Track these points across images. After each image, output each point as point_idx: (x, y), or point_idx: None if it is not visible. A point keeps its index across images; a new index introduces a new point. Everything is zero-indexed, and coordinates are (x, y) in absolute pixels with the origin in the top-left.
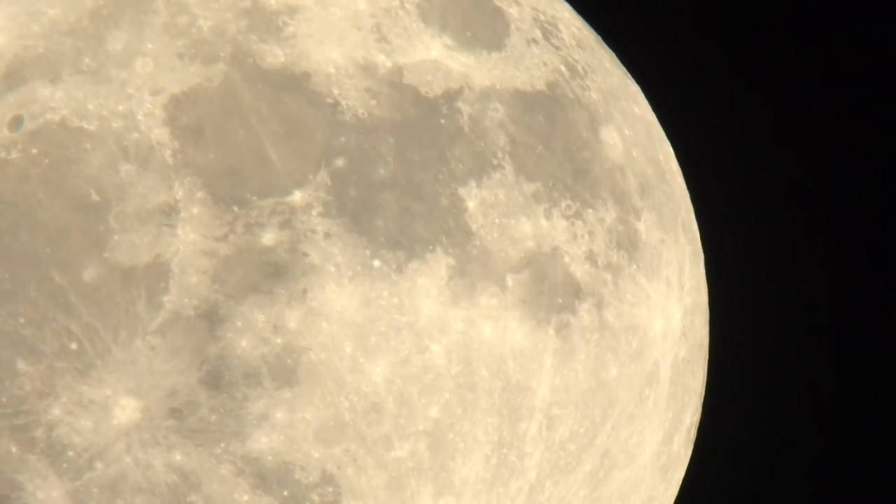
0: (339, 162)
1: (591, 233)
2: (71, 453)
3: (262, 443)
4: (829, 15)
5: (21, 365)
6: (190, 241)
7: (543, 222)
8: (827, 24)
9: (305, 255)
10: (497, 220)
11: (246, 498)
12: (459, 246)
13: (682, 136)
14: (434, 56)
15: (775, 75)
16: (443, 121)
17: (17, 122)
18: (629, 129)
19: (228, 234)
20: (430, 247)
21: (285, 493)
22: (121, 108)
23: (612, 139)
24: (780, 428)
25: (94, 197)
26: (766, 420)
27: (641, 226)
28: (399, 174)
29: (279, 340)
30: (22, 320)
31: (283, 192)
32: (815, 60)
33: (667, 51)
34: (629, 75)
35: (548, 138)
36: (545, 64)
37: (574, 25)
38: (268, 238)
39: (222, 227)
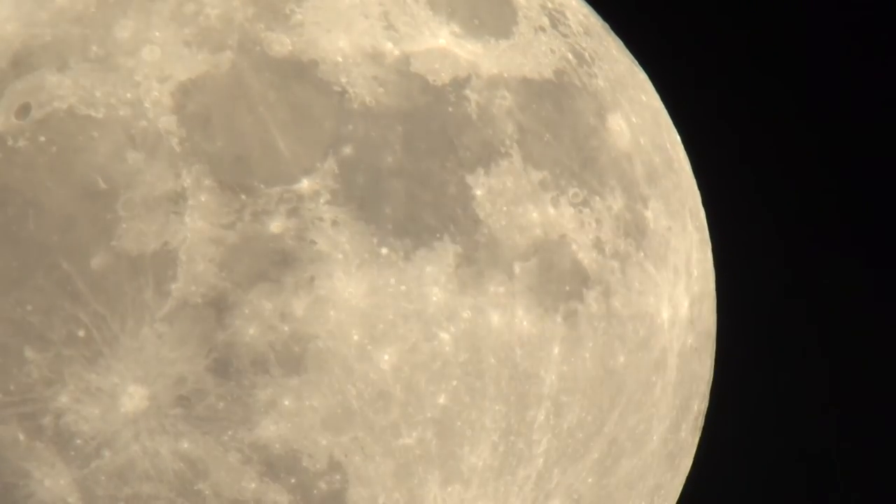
0: (347, 150)
1: (598, 221)
2: (78, 441)
3: (270, 430)
4: (838, 3)
5: (29, 353)
6: (197, 228)
7: (551, 210)
8: (834, 13)
9: (313, 242)
10: (505, 208)
11: (253, 486)
12: (467, 234)
13: (690, 124)
14: (442, 44)
15: (783, 63)
16: (450, 109)
17: (24, 110)
18: (636, 116)
19: (236, 221)
20: (438, 235)
21: (293, 481)
22: (128, 95)
23: (619, 127)
24: (787, 416)
25: (102, 185)
26: (773, 408)
27: (649, 214)
28: (406, 162)
29: (287, 328)
30: (29, 308)
31: (291, 180)
32: (822, 48)
33: (674, 39)
34: (636, 63)
35: (555, 126)
36: (553, 52)
37: (581, 13)
38: (275, 226)
39: (230, 215)
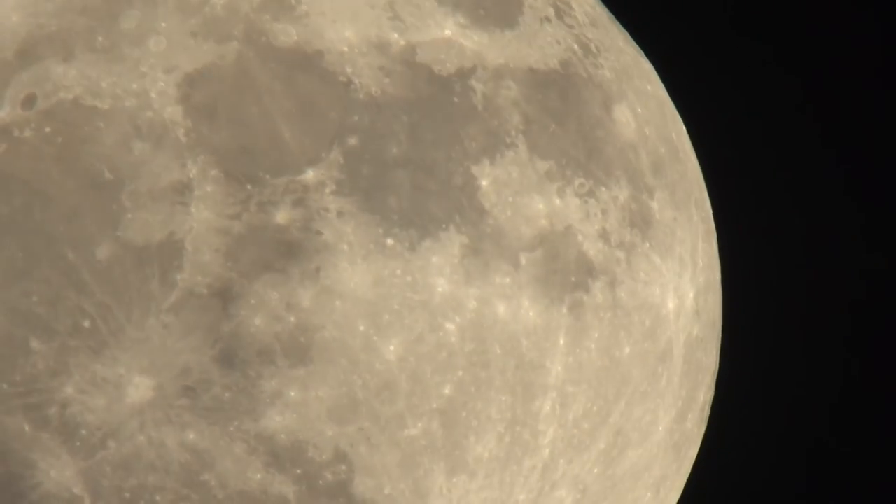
0: (352, 140)
1: (604, 211)
2: (84, 432)
3: (276, 421)
4: None
5: (34, 343)
6: (203, 219)
7: (556, 201)
8: (838, 3)
9: (318, 233)
10: (510, 199)
11: (259, 476)
12: (473, 224)
13: (695, 115)
14: (447, 34)
15: (788, 54)
16: (456, 99)
17: (30, 101)
18: (642, 107)
19: (242, 212)
20: (444, 225)
21: (298, 472)
22: (134, 86)
23: (624, 117)
24: (793, 406)
25: (108, 175)
26: (779, 398)
27: (654, 204)
28: (412, 152)
29: (292, 319)
30: (35, 299)
31: (297, 171)
32: (828, 39)
33: (679, 29)
34: (642, 53)
35: (561, 117)
36: (558, 42)
37: (587, 4)
38: (281, 216)
39: (235, 206)
